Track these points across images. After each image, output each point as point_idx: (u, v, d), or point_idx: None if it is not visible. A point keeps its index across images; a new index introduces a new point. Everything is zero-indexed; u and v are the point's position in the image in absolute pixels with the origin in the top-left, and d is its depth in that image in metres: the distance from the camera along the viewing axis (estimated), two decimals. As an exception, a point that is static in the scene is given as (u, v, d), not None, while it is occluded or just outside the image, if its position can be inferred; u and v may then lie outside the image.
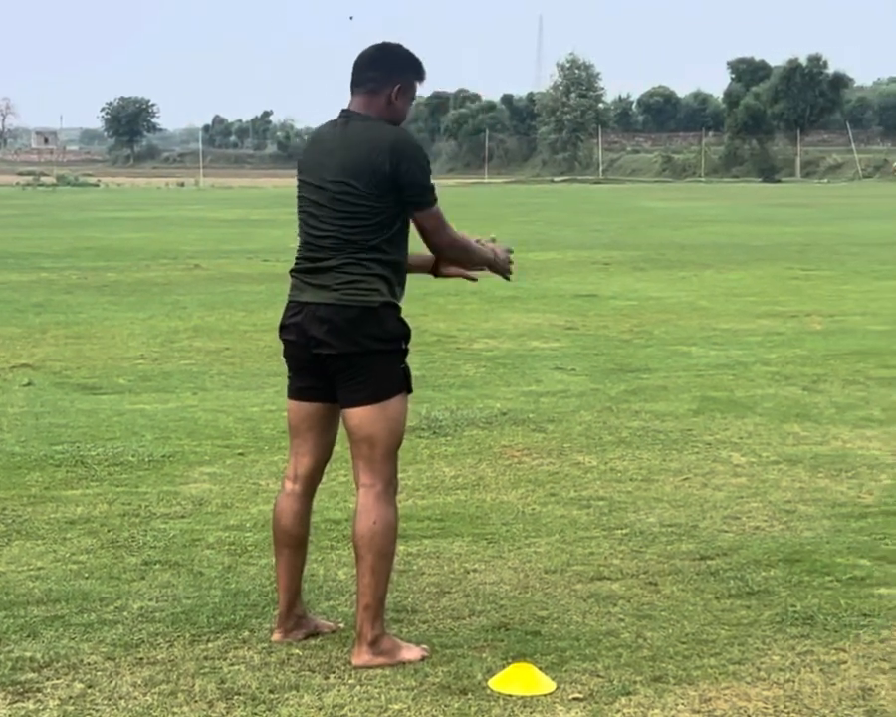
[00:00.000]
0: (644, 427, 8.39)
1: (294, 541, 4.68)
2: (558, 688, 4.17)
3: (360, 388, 4.45)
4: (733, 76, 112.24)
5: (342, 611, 4.92)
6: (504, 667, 4.29)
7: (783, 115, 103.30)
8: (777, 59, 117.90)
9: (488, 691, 4.16)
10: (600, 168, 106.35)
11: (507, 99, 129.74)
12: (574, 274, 19.91)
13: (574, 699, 4.10)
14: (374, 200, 4.41)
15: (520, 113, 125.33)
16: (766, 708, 4.03)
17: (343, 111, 4.56)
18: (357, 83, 4.54)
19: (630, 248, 25.34)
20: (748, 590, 5.16)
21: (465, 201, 47.15)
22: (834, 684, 4.21)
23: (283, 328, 4.61)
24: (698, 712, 4.01)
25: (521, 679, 4.17)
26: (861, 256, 23.29)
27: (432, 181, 4.51)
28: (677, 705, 4.05)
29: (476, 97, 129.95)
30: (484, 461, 7.46)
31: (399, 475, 4.63)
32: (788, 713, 4.01)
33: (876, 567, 5.44)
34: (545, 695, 4.12)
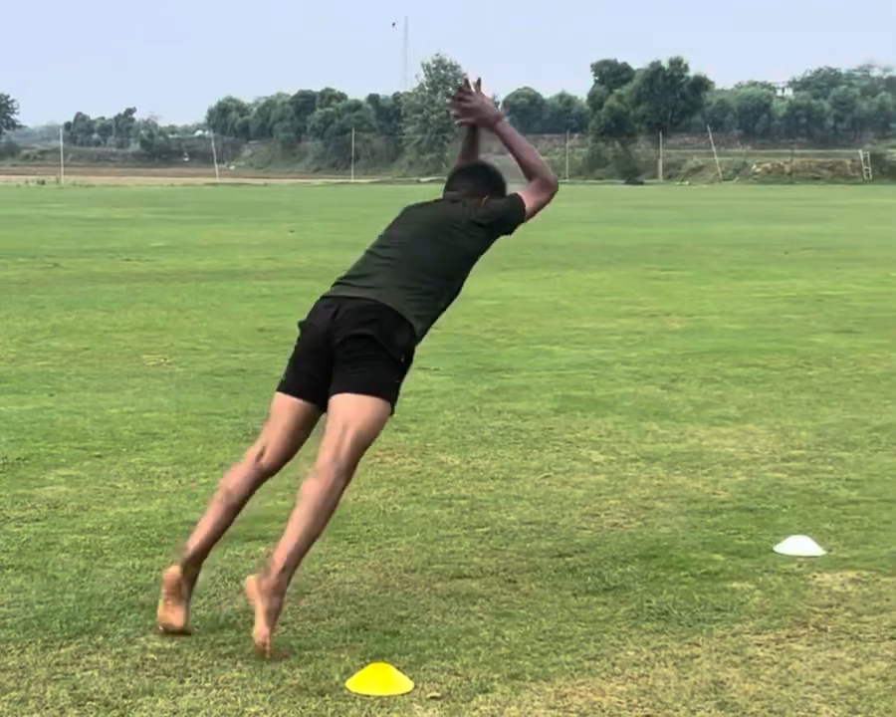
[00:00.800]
0: (506, 426, 8.45)
1: (232, 500, 4.76)
2: (415, 687, 4.17)
3: (356, 377, 4.68)
4: (596, 78, 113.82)
5: (200, 614, 4.85)
6: (362, 667, 4.28)
7: (645, 117, 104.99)
8: (639, 62, 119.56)
9: (345, 692, 4.15)
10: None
11: (373, 98, 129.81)
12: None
13: (432, 698, 4.10)
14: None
15: (386, 112, 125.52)
16: (620, 702, 4.08)
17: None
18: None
19: (495, 249, 25.41)
20: (605, 586, 5.22)
21: (331, 201, 46.95)
22: (687, 678, 4.28)
23: (311, 312, 4.90)
24: (553, 708, 4.04)
25: (378, 679, 4.16)
26: (720, 257, 23.76)
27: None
28: (533, 701, 4.08)
29: (342, 96, 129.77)
30: (346, 461, 7.43)
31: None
32: (642, 707, 4.06)
33: (729, 562, 5.55)
34: (402, 695, 4.12)
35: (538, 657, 4.44)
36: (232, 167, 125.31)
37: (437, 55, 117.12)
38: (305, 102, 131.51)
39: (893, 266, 21.62)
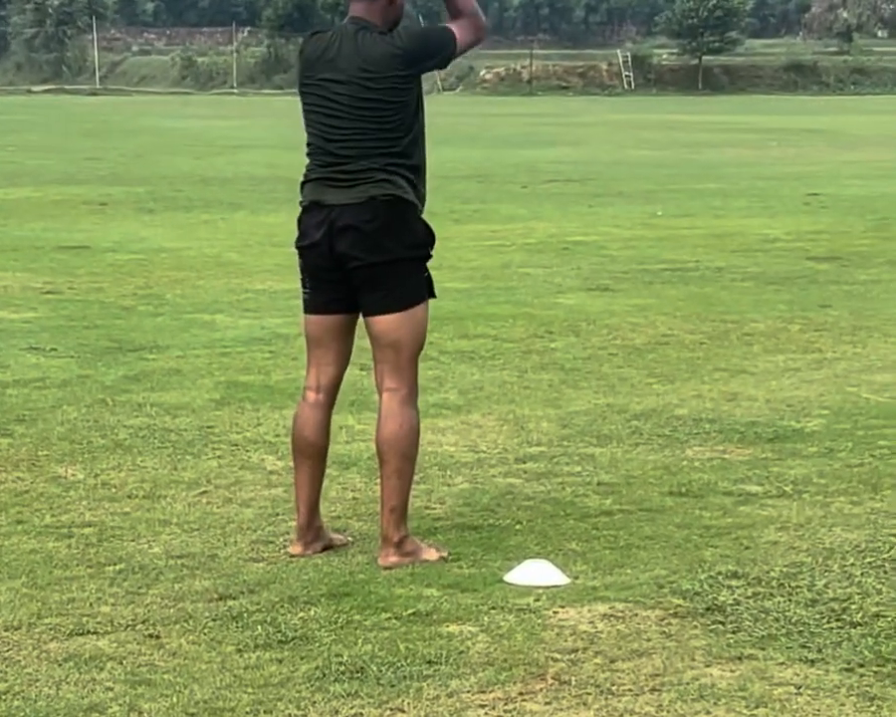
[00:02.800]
0: (149, 425, 8.40)
1: (317, 451, 6.30)
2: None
3: (387, 296, 6.06)
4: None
5: None
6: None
7: (338, 5, 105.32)
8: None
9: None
10: (97, 74, 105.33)
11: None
12: (59, 219, 19.67)
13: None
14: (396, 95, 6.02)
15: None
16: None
17: (352, 18, 6.15)
18: None
19: (136, 183, 25.29)
20: (280, 637, 5.23)
21: None
22: (388, 755, 4.34)
23: (303, 236, 6.16)
24: None
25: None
26: (437, 192, 23.86)
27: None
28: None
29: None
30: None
31: None
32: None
33: (445, 598, 5.64)
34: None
35: (187, 738, 4.42)
36: None
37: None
38: None
39: (659, 203, 22.41)
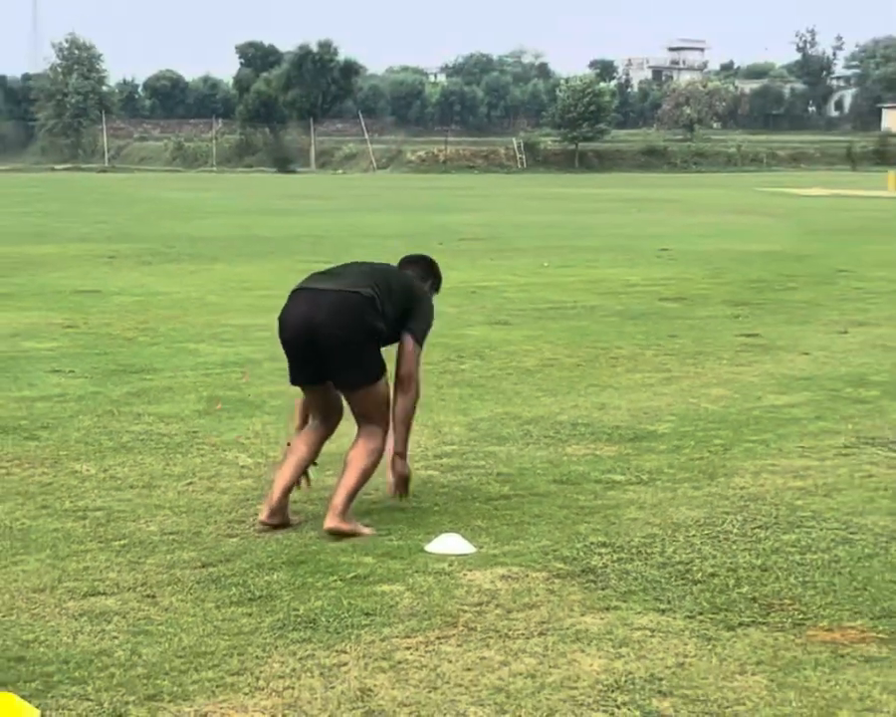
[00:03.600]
0: (147, 431, 8.32)
1: (300, 459, 6.48)
2: (43, 715, 4.05)
3: (353, 376, 6.30)
4: (242, 61, 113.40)
5: None
6: (-17, 700, 4.11)
7: (295, 102, 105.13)
8: (287, 44, 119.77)
9: (-36, 728, 3.98)
10: (106, 156, 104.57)
11: (0, 80, 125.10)
12: (76, 268, 19.47)
13: (61, 727, 3.99)
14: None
15: (15, 95, 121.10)
16: (264, 718, 4.08)
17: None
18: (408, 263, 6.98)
19: (138, 240, 25.07)
20: (250, 596, 5.21)
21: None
22: (334, 687, 4.32)
23: (285, 313, 6.48)
24: (194, 728, 4.01)
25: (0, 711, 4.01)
26: (372, 248, 24.02)
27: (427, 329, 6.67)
28: (172, 723, 4.03)
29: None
30: (-32, 475, 7.14)
31: None
32: (288, 721, 4.07)
33: (379, 564, 5.63)
34: (28, 726, 3.98)
35: (177, 676, 4.38)
36: None
37: (70, 34, 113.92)
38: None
39: (547, 255, 22.47)
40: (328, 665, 4.50)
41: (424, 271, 6.91)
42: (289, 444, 6.64)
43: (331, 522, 6.08)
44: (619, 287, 17.50)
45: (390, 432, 6.45)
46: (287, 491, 6.32)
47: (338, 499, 6.13)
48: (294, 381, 6.53)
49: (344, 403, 6.52)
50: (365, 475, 6.27)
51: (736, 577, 5.46)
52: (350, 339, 6.18)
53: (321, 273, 6.66)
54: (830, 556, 5.76)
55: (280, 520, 6.26)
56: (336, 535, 6.05)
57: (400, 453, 6.53)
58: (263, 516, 6.23)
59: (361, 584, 5.37)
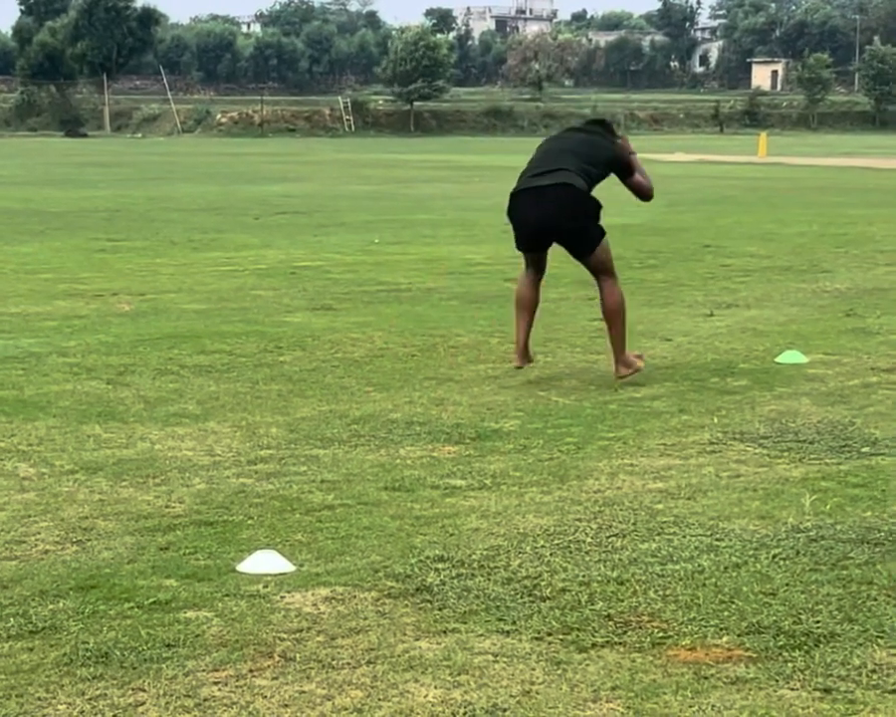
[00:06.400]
0: None
1: (531, 305, 10.13)
2: None
3: (586, 246, 9.92)
4: (23, 8, 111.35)
5: None
6: None
7: (85, 56, 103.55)
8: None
9: None
10: None
11: None
12: None
13: None
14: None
15: None
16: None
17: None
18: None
19: None
20: (31, 628, 5.12)
21: None
22: (130, 731, 4.27)
23: (515, 211, 10.17)
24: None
25: None
26: (178, 224, 23.90)
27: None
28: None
29: None
30: None
31: None
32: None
33: (183, 587, 5.58)
34: None
35: (-56, 724, 4.29)
36: None
37: None
38: None
39: (377, 231, 22.52)
40: (122, 705, 4.45)
41: (608, 131, 10.44)
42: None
43: (618, 370, 9.80)
44: (460, 266, 17.62)
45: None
46: (528, 330, 9.95)
47: (617, 348, 9.79)
48: (519, 248, 10.23)
49: None
50: (624, 320, 9.89)
51: (589, 592, 5.54)
52: (577, 225, 9.77)
53: (534, 169, 10.11)
54: (694, 566, 5.87)
55: (528, 360, 10.03)
56: (625, 378, 9.73)
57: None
58: (517, 362, 9.96)
59: (162, 611, 5.31)
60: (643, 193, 10.46)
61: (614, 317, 9.82)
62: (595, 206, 9.85)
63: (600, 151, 10.04)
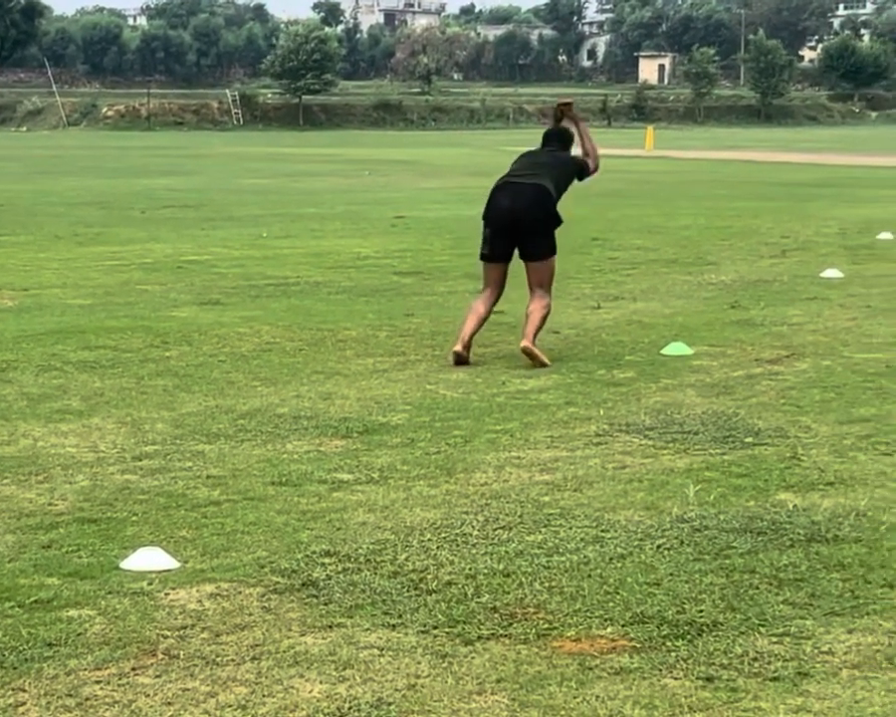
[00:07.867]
0: None
1: (482, 314, 10.56)
2: None
3: (539, 249, 10.61)
4: None
5: None
6: None
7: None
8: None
9: None
10: None
11: None
12: None
13: None
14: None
15: None
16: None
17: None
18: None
19: None
20: (-88, 630, 5.03)
21: None
22: (10, 732, 4.22)
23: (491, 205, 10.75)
24: None
25: None
26: (63, 218, 23.64)
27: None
28: None
29: None
30: None
31: None
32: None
33: (66, 585, 5.52)
34: None
35: None
36: None
37: None
38: None
39: (265, 225, 22.42)
40: (2, 706, 4.38)
41: (563, 144, 11.25)
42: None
43: (526, 342, 10.19)
44: (348, 260, 17.59)
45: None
46: (473, 335, 10.40)
47: (530, 328, 10.30)
48: (487, 257, 10.68)
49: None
50: (545, 318, 10.52)
51: (475, 584, 5.55)
52: (544, 216, 10.51)
53: (513, 172, 10.83)
54: (579, 557, 5.90)
55: (467, 356, 10.29)
56: (529, 355, 10.16)
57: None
58: (457, 346, 10.27)
59: (44, 609, 5.25)
60: (596, 168, 11.38)
61: (538, 314, 10.49)
62: (558, 220, 10.69)
63: (567, 167, 11.04)
